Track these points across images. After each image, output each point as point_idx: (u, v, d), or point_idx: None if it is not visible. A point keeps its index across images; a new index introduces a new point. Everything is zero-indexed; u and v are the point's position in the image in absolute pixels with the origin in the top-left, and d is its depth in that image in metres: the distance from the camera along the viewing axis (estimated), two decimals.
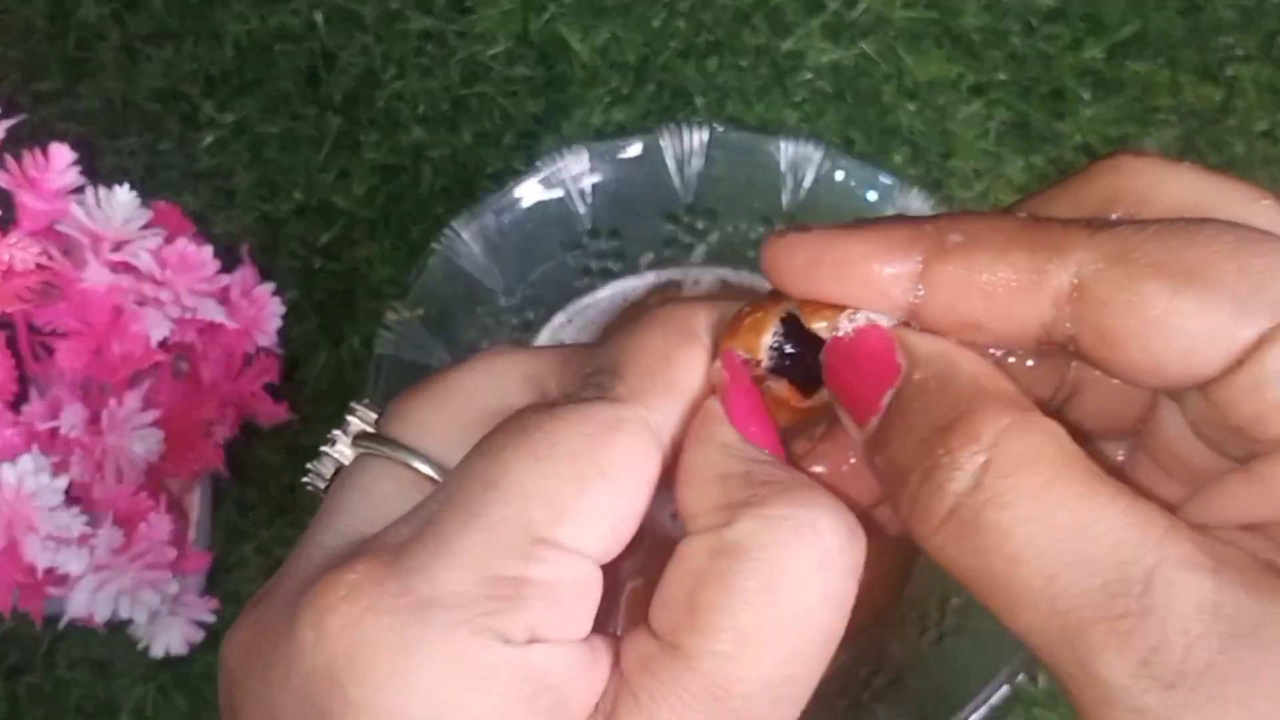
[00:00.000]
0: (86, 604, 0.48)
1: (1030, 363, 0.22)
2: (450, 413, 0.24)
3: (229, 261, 0.51)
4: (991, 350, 0.21)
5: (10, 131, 0.49)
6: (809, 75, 0.69)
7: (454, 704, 0.19)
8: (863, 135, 0.68)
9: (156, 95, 0.69)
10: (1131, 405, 0.22)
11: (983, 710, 0.47)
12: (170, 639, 0.51)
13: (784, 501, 0.20)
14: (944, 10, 0.70)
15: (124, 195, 0.48)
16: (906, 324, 0.21)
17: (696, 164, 0.56)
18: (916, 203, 0.55)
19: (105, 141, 0.68)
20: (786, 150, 0.55)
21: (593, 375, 0.23)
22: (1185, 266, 0.19)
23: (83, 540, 0.47)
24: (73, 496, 0.48)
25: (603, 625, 0.22)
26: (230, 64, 0.69)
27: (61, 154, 0.48)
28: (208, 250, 0.50)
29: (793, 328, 0.22)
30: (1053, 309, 0.20)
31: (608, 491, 0.21)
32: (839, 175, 0.55)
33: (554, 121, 0.68)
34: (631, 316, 0.47)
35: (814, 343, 0.22)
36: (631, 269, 0.59)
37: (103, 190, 0.48)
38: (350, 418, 0.25)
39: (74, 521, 0.46)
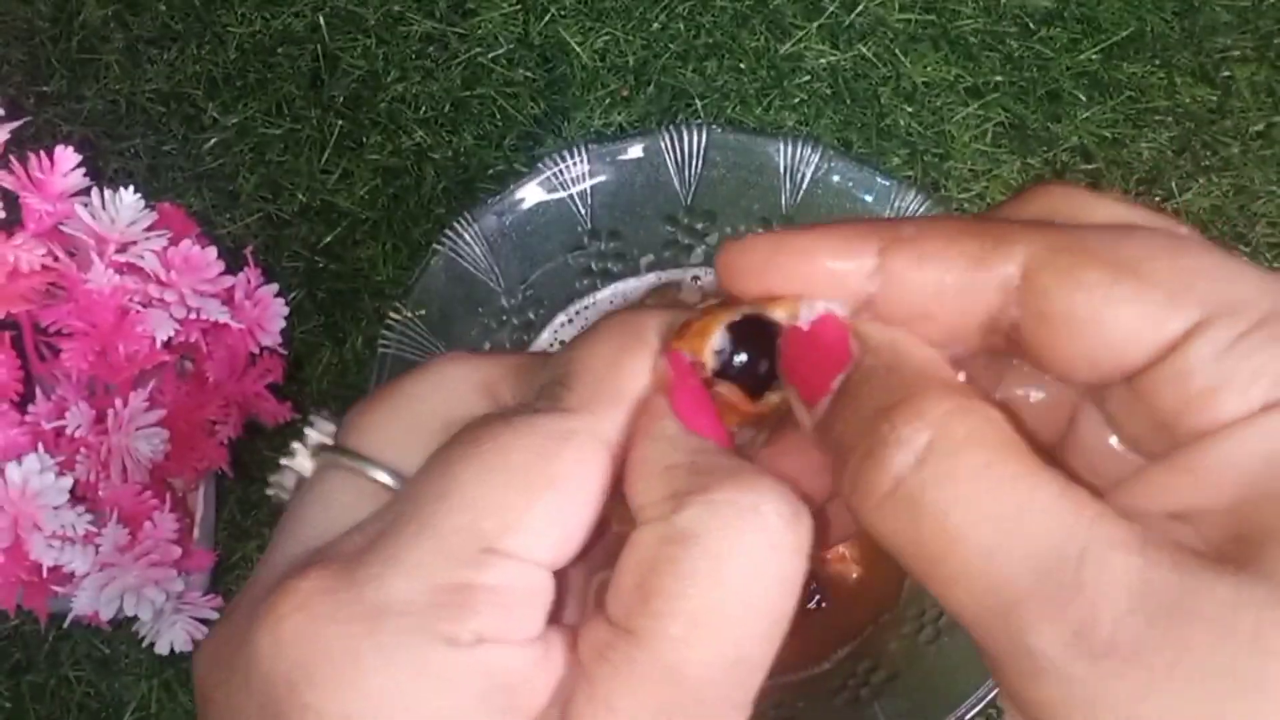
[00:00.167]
0: (92, 602, 0.48)
1: (998, 395, 0.23)
2: (406, 422, 0.24)
3: (233, 262, 0.52)
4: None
5: (15, 133, 0.49)
6: (807, 77, 0.69)
7: (405, 706, 0.20)
8: (860, 137, 0.68)
9: (160, 97, 0.69)
10: (1055, 418, 0.23)
11: (979, 706, 0.48)
12: (174, 636, 0.51)
13: (728, 486, 0.21)
14: (941, 13, 0.71)
15: (129, 197, 0.49)
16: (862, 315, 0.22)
17: (696, 166, 0.56)
18: (914, 204, 0.55)
19: (109, 143, 0.68)
20: (785, 152, 0.56)
21: (545, 385, 0.23)
22: (1123, 260, 0.20)
23: (88, 539, 0.47)
24: (78, 496, 0.48)
25: (572, 617, 0.22)
26: (233, 66, 0.70)
27: (66, 156, 0.48)
28: (212, 251, 0.50)
29: (741, 333, 0.23)
30: (999, 296, 0.21)
31: (557, 502, 0.21)
32: (836, 177, 0.55)
33: (554, 123, 0.69)
34: None
35: (762, 348, 0.23)
36: (632, 270, 0.59)
37: (107, 192, 0.48)
38: (309, 430, 0.25)
39: (78, 520, 0.47)
